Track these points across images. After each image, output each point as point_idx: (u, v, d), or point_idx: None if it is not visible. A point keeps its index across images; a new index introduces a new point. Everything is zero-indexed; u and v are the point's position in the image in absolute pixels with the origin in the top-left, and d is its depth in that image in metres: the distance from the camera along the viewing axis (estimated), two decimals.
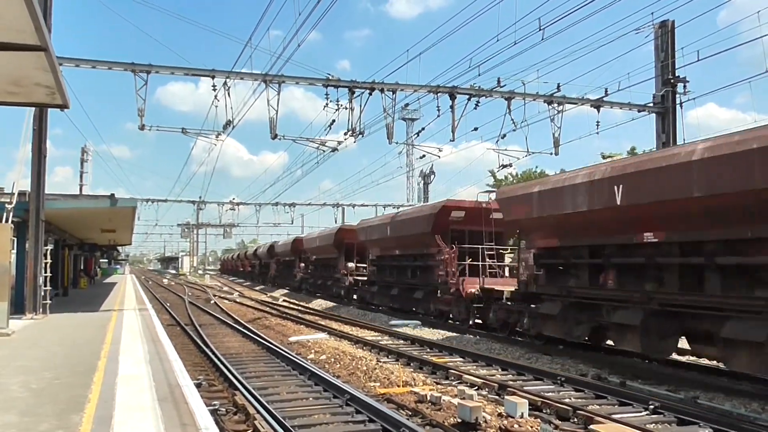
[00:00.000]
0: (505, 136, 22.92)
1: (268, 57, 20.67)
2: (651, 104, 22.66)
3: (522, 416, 8.42)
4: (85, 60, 19.14)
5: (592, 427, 7.64)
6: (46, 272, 16.85)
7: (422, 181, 66.91)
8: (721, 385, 10.59)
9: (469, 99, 21.95)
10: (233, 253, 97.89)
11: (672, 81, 21.72)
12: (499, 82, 21.90)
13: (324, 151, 25.34)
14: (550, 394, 9.87)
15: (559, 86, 22.53)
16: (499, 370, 12.35)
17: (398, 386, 10.51)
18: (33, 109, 15.94)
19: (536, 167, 64.96)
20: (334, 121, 22.08)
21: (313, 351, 14.97)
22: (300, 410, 8.88)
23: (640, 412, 8.96)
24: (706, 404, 9.54)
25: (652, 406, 8.96)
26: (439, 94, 21.76)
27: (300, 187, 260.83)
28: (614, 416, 8.43)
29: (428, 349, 15.20)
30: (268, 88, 20.73)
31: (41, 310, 16.42)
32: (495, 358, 13.35)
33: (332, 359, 13.65)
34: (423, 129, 26.77)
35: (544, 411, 8.89)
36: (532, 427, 8.02)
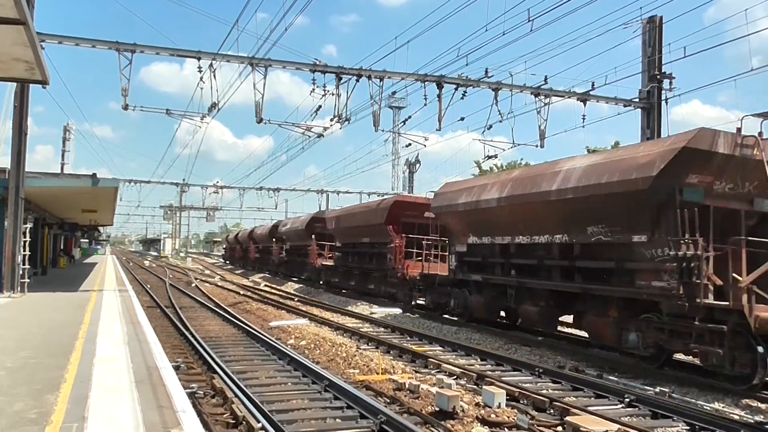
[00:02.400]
0: (491, 126, 23.00)
1: (255, 40, 20.53)
2: (637, 99, 22.78)
3: (499, 406, 8.48)
4: (68, 37, 18.80)
5: (567, 418, 7.72)
6: (24, 251, 16.65)
7: (407, 170, 66.92)
8: (696, 381, 10.74)
9: (456, 89, 21.92)
10: (241, 232, 66.46)
11: (658, 77, 21.83)
12: (486, 72, 21.91)
13: (309, 136, 25.28)
14: (527, 385, 9.95)
15: (546, 78, 22.58)
16: (478, 360, 12.43)
17: (377, 374, 10.54)
18: (14, 85, 15.69)
19: (521, 159, 65.21)
20: (320, 106, 22.01)
21: (293, 336, 14.96)
22: (278, 395, 8.88)
23: (616, 404, 9.06)
24: (679, 398, 9.67)
25: (627, 399, 9.06)
26: (426, 83, 21.69)
27: (285, 172, 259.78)
28: (590, 408, 8.51)
29: (408, 338, 15.26)
30: (254, 72, 20.54)
31: (19, 288, 16.25)
32: (474, 348, 13.42)
33: (312, 345, 13.66)
34: (410, 117, 26.80)
35: (521, 402, 8.96)
36: (508, 417, 8.07)
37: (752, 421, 8.41)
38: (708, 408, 9.14)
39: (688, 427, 8.13)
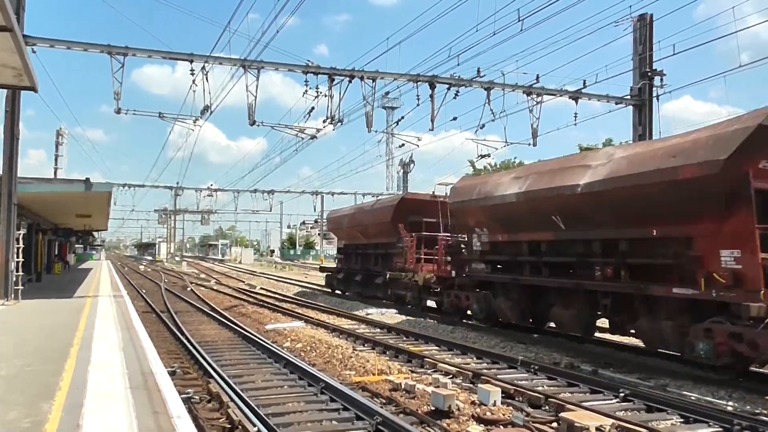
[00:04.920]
0: (483, 126, 22.99)
1: (247, 42, 20.34)
2: (628, 97, 22.75)
3: (495, 404, 8.51)
4: (59, 41, 18.70)
5: (562, 414, 7.76)
6: (18, 257, 16.59)
7: (401, 170, 67.00)
8: (690, 374, 10.82)
9: (448, 88, 21.91)
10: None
11: (649, 74, 21.83)
12: (478, 72, 21.90)
13: (303, 138, 25.25)
14: (523, 382, 9.99)
15: (538, 77, 22.59)
16: (474, 358, 12.46)
17: (373, 375, 10.56)
18: (4, 90, 15.66)
19: (515, 158, 65.49)
20: (313, 108, 21.98)
21: (289, 339, 14.97)
22: (274, 398, 8.89)
23: (611, 399, 9.12)
24: (674, 392, 9.74)
25: (622, 394, 9.13)
26: (418, 83, 21.69)
27: (279, 174, 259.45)
28: (585, 404, 8.57)
29: (404, 338, 15.29)
30: (246, 74, 20.50)
31: (13, 296, 16.19)
32: (470, 346, 13.46)
33: (308, 347, 13.66)
34: (402, 117, 26.83)
35: (517, 399, 9.00)
36: (504, 414, 8.11)
37: (746, 411, 8.48)
38: (702, 401, 9.21)
39: (682, 420, 8.20)
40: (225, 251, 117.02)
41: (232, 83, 21.43)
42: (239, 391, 8.70)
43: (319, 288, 33.84)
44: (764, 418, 8.04)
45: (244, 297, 27.81)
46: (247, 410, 7.74)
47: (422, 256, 21.31)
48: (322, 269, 37.25)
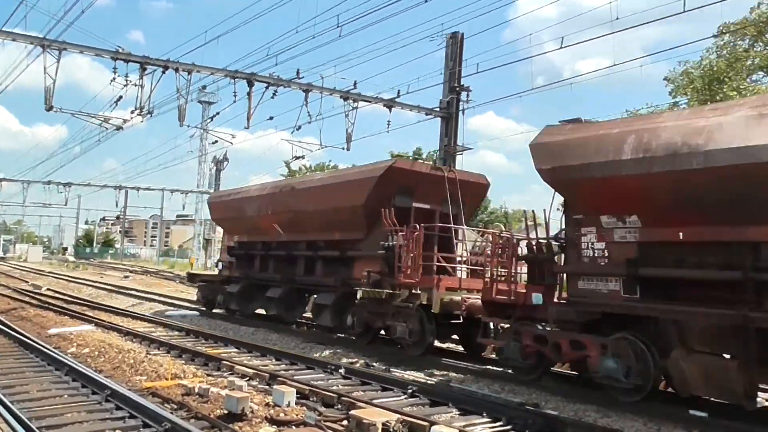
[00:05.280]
0: (300, 127, 23.23)
1: (48, 19, 18.50)
2: (438, 109, 24.25)
3: (289, 405, 8.61)
4: None
5: (352, 412, 8.08)
6: None
7: (215, 167, 64.83)
8: (470, 369, 11.90)
9: (267, 87, 21.80)
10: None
11: (457, 89, 23.44)
12: (298, 73, 22.11)
13: (107, 128, 23.64)
14: (319, 382, 10.22)
15: (355, 83, 23.35)
16: (273, 360, 12.50)
17: (166, 379, 10.14)
18: None
19: (330, 161, 66.95)
20: (121, 97, 20.67)
21: (75, 344, 13.81)
22: (51, 409, 8.16)
23: (399, 396, 9.68)
24: (456, 387, 10.63)
25: (410, 390, 9.73)
26: (236, 80, 21.36)
27: (78, 166, 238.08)
28: (375, 401, 9.00)
29: (203, 340, 14.89)
30: (45, 54, 18.61)
31: None
32: (270, 348, 13.48)
33: (96, 353, 12.72)
34: (218, 113, 26.16)
35: (311, 399, 9.20)
36: (297, 415, 8.24)
37: (515, 402, 9.52)
38: (479, 393, 10.18)
39: (460, 412, 8.96)
40: (8, 248, 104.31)
41: (27, 62, 19.38)
42: (8, 402, 7.87)
43: (175, 303, 24.59)
44: (529, 408, 9.10)
45: (27, 299, 25.02)
46: (15, 423, 7.02)
47: (442, 264, 13.78)
48: (192, 277, 25.50)
